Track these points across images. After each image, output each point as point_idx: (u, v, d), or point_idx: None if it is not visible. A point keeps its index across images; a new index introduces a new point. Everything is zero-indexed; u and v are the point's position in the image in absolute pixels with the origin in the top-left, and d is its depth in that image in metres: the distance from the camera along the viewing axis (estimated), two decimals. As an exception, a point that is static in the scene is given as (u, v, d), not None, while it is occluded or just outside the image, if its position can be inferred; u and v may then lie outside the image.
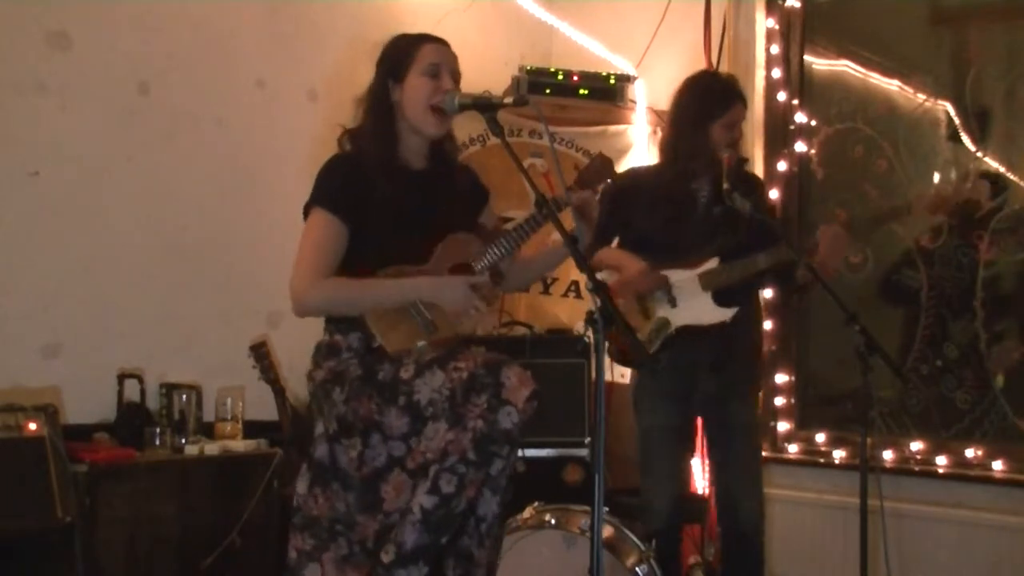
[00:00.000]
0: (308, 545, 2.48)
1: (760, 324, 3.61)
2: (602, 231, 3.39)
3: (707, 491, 4.18)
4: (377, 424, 2.42)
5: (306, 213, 2.57)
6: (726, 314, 3.24)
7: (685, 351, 3.28)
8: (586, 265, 2.29)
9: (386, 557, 2.35)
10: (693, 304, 3.27)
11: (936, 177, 4.00)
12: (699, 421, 3.55)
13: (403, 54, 2.60)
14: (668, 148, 3.40)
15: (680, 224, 3.30)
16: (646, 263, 3.26)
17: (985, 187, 3.31)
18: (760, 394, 3.97)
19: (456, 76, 2.61)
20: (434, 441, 2.35)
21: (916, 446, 3.96)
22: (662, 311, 3.30)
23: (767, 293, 3.88)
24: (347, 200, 2.52)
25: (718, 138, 3.28)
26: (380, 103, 2.60)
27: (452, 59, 2.62)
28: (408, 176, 2.61)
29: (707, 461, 3.48)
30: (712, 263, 3.26)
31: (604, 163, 2.70)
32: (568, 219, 2.52)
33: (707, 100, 3.34)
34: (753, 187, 3.42)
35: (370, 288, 2.50)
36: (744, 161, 3.40)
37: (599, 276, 3.37)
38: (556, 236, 2.44)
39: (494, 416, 2.31)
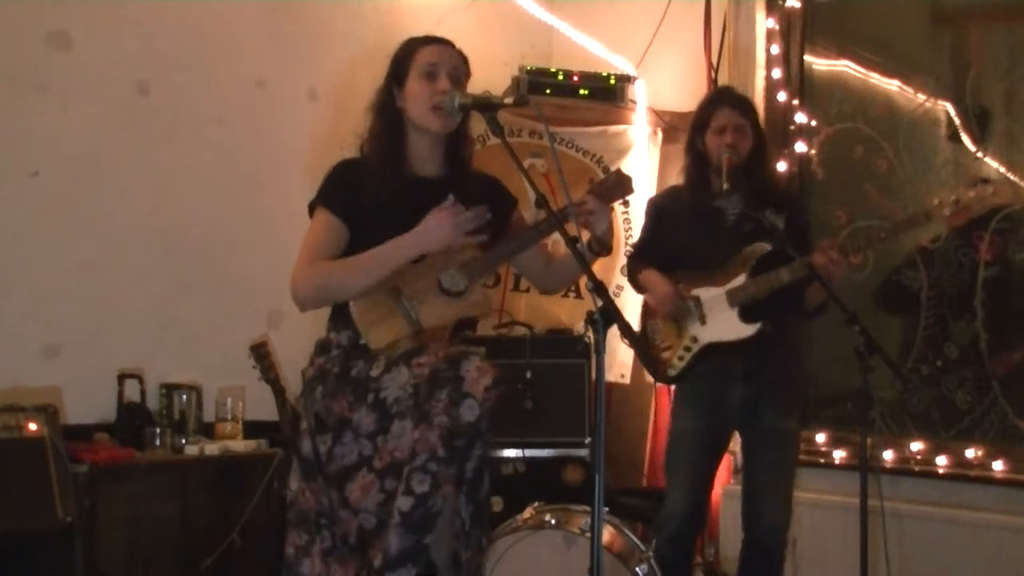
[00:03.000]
0: (303, 540, 2.49)
1: (800, 339, 3.61)
2: (643, 246, 3.52)
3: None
4: (348, 421, 2.43)
5: (311, 212, 2.61)
6: (748, 330, 3.25)
7: (718, 363, 3.31)
8: (589, 270, 2.29)
9: (376, 562, 2.35)
10: (720, 321, 3.29)
11: (936, 177, 4.01)
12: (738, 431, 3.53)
13: (404, 58, 2.62)
14: (683, 168, 3.47)
15: (709, 243, 3.32)
16: (672, 287, 3.33)
17: (1008, 189, 3.28)
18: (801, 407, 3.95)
19: (456, 75, 2.59)
20: (402, 439, 2.35)
21: (916, 446, 3.96)
22: (693, 328, 3.34)
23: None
24: (345, 201, 2.55)
25: (712, 146, 3.32)
26: (385, 109, 2.62)
27: (452, 59, 2.60)
28: (416, 183, 2.61)
29: (740, 468, 3.49)
30: (740, 279, 3.27)
31: (621, 180, 2.63)
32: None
33: (698, 112, 3.43)
34: (788, 202, 3.43)
35: (360, 259, 2.49)
36: (772, 176, 3.44)
37: (646, 297, 3.48)
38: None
39: (456, 410, 2.30)
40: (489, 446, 2.43)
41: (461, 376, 2.32)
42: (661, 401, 4.53)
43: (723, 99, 3.40)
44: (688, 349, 3.34)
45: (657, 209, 3.56)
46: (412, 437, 2.32)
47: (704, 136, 3.35)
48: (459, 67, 2.62)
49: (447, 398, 2.30)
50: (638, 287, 3.52)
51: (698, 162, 3.38)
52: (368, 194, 2.54)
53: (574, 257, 2.60)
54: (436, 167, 2.65)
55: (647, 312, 3.50)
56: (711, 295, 3.31)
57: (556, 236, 2.52)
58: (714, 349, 3.31)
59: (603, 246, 2.57)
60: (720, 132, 3.30)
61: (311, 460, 2.50)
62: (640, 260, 3.48)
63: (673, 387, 3.57)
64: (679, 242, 3.40)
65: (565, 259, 2.74)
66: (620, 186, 2.64)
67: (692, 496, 3.35)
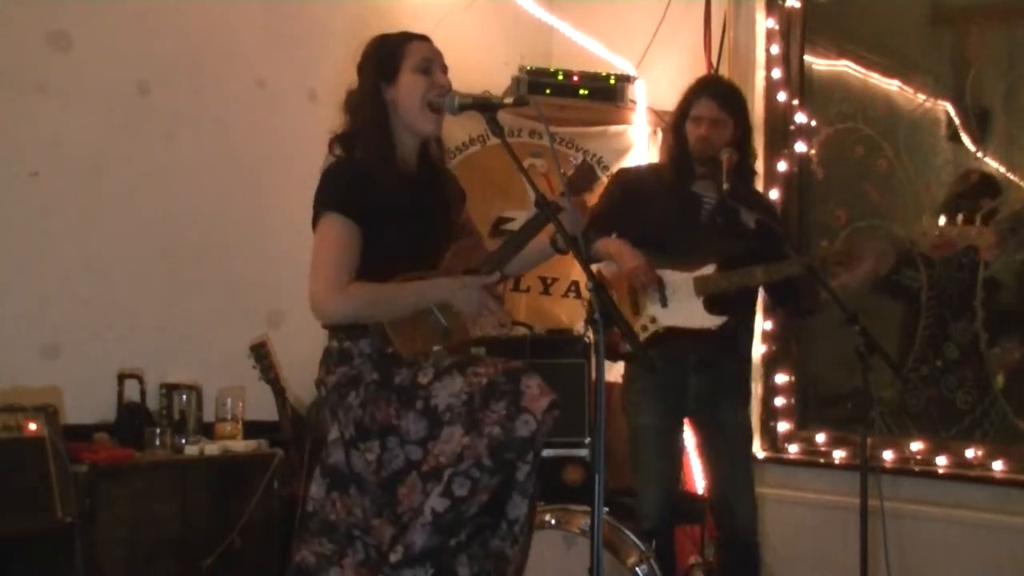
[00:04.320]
0: (327, 550, 2.48)
1: (751, 333, 3.63)
2: (602, 219, 3.39)
3: (703, 492, 4.20)
4: (394, 428, 2.42)
5: (315, 221, 2.54)
6: (714, 322, 3.26)
7: (673, 350, 3.30)
8: (588, 267, 2.29)
9: (394, 557, 2.35)
10: (683, 307, 3.28)
11: (936, 177, 4.01)
12: (689, 422, 3.55)
13: (391, 53, 2.59)
14: (663, 150, 3.48)
15: (682, 227, 3.32)
16: (644, 259, 3.28)
17: (991, 235, 3.28)
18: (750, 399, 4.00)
19: (445, 70, 2.61)
20: (449, 445, 2.35)
21: (916, 446, 3.96)
22: (652, 309, 3.31)
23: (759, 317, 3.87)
24: (356, 203, 2.51)
25: (690, 133, 3.34)
26: (373, 105, 2.58)
27: (439, 55, 2.62)
28: (406, 178, 2.61)
29: (701, 463, 3.50)
30: (708, 269, 3.27)
31: (587, 169, 2.73)
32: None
33: (682, 97, 3.44)
34: (760, 202, 3.45)
35: (397, 292, 2.50)
36: (751, 172, 3.45)
37: (596, 266, 3.39)
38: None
39: (512, 424, 2.31)
40: (538, 458, 2.44)
41: (521, 391, 2.32)
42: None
43: (705, 89, 3.41)
44: (645, 328, 3.31)
45: (630, 182, 3.52)
46: (461, 443, 2.33)
47: (683, 123, 3.37)
48: (444, 62, 2.63)
49: (504, 410, 2.31)
50: (593, 257, 3.38)
51: (680, 145, 3.39)
52: (372, 193, 2.52)
53: (542, 246, 2.68)
54: (413, 164, 2.66)
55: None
56: (676, 279, 3.29)
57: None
58: (671, 334, 3.29)
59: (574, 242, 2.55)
60: (696, 122, 3.32)
61: (343, 470, 2.49)
62: (596, 229, 3.36)
63: (623, 379, 3.54)
64: (649, 221, 3.37)
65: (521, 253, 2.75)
66: (589, 175, 2.72)
67: (664, 491, 3.36)
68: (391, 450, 2.43)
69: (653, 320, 3.32)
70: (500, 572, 2.44)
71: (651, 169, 3.62)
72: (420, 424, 2.40)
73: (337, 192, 2.53)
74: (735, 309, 3.28)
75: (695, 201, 3.35)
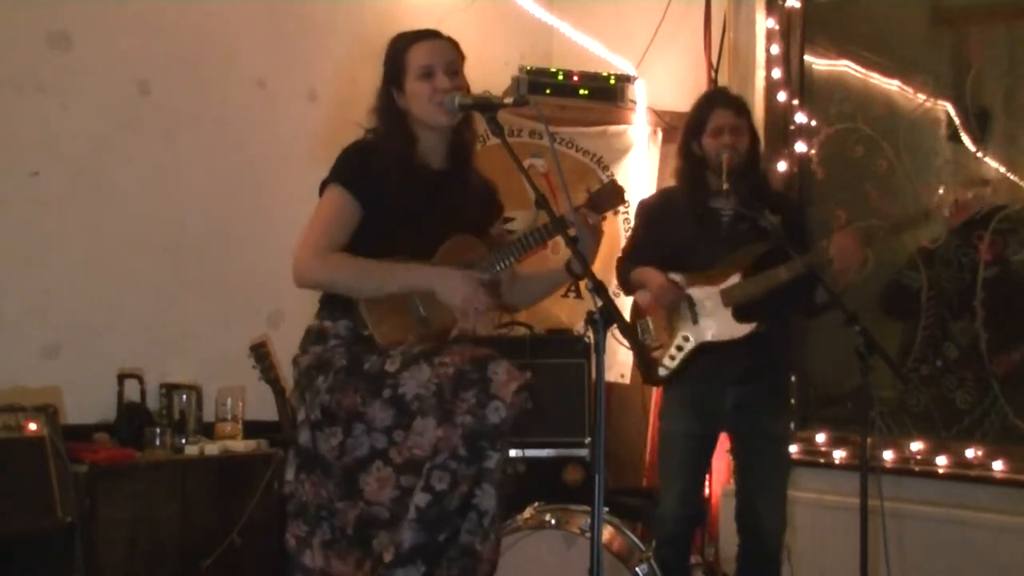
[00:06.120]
0: (303, 531, 2.50)
1: (792, 339, 3.62)
2: (637, 249, 3.50)
3: (707, 492, 4.20)
4: (360, 415, 2.42)
5: (322, 190, 2.59)
6: (743, 330, 3.25)
7: (712, 364, 3.30)
8: (590, 271, 2.29)
9: (387, 557, 2.36)
10: (714, 320, 3.30)
11: (936, 177, 4.01)
12: (724, 436, 3.54)
13: (397, 61, 2.62)
14: (676, 171, 3.47)
15: (703, 243, 3.32)
16: (665, 277, 3.31)
17: (1006, 188, 3.26)
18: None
19: (452, 69, 2.60)
20: (423, 437, 2.35)
21: (916, 446, 3.96)
22: (685, 328, 3.33)
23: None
24: (364, 181, 2.54)
25: (710, 148, 3.32)
26: (390, 110, 2.63)
27: (445, 53, 2.61)
28: (426, 174, 2.63)
29: (734, 468, 3.50)
30: (734, 279, 3.28)
31: (616, 190, 2.68)
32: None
33: (693, 114, 3.42)
34: (783, 203, 3.45)
35: (376, 269, 2.50)
36: (764, 177, 3.46)
37: (636, 296, 3.46)
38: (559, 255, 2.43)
39: (482, 411, 2.31)
40: (509, 445, 2.43)
41: (488, 378, 2.33)
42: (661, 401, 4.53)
43: (718, 100, 3.42)
44: (680, 348, 3.33)
45: (649, 211, 3.56)
46: (435, 435, 2.33)
47: (700, 139, 3.35)
48: (454, 60, 2.62)
49: (474, 399, 2.31)
50: (628, 288, 3.50)
51: (693, 165, 3.38)
52: (383, 178, 2.54)
53: (552, 275, 2.72)
54: (440, 159, 2.67)
55: (637, 312, 3.48)
56: (704, 294, 3.31)
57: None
58: (707, 349, 3.31)
59: (586, 265, 2.41)
60: (718, 133, 3.31)
61: (309, 451, 2.50)
62: (631, 262, 3.46)
63: (661, 388, 3.57)
64: (673, 243, 3.39)
65: (531, 278, 2.78)
66: (615, 195, 2.67)
67: (686, 498, 3.37)
68: (356, 437, 2.43)
69: (686, 339, 3.33)
70: (471, 569, 2.42)
71: (665, 193, 3.63)
72: (387, 412, 2.40)
73: (347, 166, 2.57)
74: (763, 314, 3.25)
75: (713, 215, 3.34)
